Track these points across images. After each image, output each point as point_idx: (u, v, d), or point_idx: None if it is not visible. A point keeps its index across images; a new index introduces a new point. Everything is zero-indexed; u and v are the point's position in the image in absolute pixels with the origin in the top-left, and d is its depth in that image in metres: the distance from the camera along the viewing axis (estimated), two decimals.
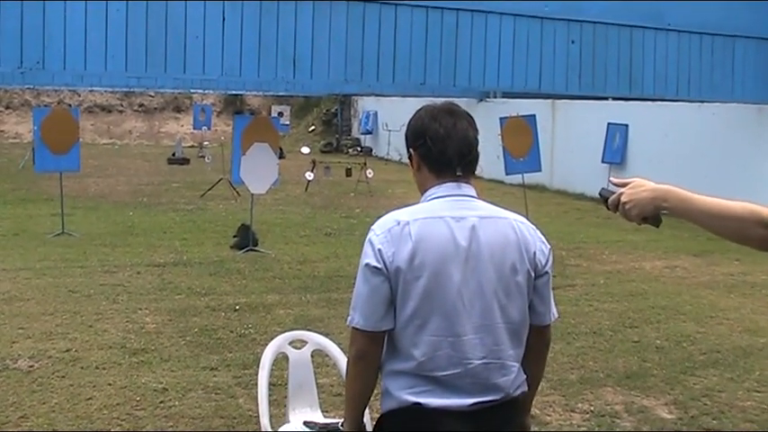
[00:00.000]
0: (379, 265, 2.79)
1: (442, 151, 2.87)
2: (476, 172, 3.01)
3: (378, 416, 2.99)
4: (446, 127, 2.88)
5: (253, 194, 12.46)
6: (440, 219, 2.82)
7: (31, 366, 6.83)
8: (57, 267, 10.56)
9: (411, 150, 2.97)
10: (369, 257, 2.82)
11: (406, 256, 2.77)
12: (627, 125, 18.65)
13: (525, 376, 2.97)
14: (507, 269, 2.86)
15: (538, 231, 3.01)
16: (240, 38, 11.12)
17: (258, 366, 4.74)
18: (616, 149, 18.85)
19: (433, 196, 2.90)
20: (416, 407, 2.81)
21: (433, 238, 2.79)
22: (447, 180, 2.90)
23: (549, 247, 3.01)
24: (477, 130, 2.96)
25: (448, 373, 2.81)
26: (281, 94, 28.13)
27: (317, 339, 4.89)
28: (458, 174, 2.90)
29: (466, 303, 2.80)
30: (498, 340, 2.85)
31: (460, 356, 2.81)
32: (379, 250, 2.80)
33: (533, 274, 2.93)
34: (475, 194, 2.94)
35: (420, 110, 2.98)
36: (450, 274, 2.79)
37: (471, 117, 2.97)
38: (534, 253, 2.93)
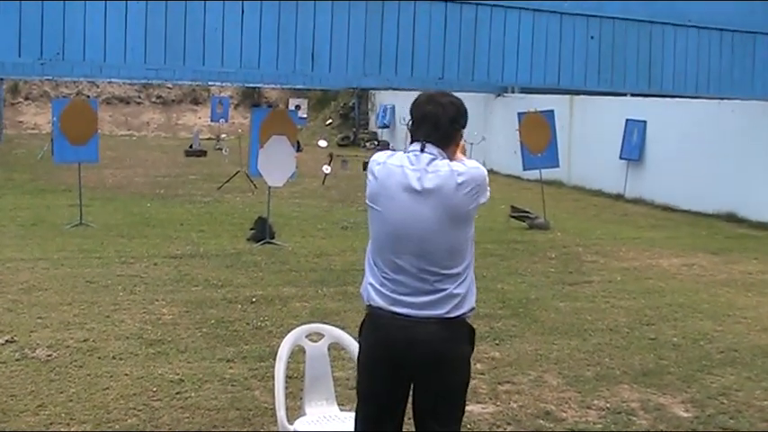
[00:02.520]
0: None
1: (416, 129, 3.71)
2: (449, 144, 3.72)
3: None
4: (421, 111, 3.71)
5: (270, 187, 12.48)
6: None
7: (49, 356, 6.87)
8: (74, 258, 10.61)
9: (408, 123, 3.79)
10: None
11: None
12: (645, 121, 18.57)
13: None
14: None
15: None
16: (259, 30, 11.15)
17: (274, 359, 4.75)
18: (634, 146, 18.78)
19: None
20: None
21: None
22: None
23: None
24: (454, 113, 3.70)
25: None
26: (298, 87, 28.12)
27: (333, 332, 4.90)
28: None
29: None
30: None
31: None
32: None
33: None
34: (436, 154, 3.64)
35: (418, 95, 3.80)
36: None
37: (452, 102, 3.72)
38: None
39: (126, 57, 11.00)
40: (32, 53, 10.58)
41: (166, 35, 10.92)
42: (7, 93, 33.25)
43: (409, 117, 3.79)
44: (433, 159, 3.62)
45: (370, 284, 3.69)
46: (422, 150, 3.63)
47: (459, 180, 3.59)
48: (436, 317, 3.59)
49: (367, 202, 3.72)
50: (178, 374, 6.55)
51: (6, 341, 7.17)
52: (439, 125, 3.67)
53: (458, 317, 3.64)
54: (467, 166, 3.63)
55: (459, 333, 3.68)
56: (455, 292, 3.62)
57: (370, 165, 3.74)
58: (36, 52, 10.62)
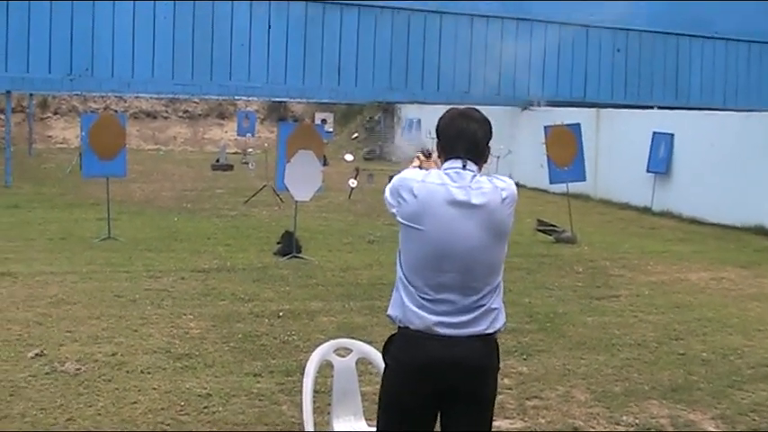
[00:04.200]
0: None
1: (453, 146, 3.66)
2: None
3: None
4: (458, 127, 3.66)
5: (296, 201, 12.51)
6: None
7: (77, 369, 6.90)
8: (103, 272, 10.68)
9: (437, 140, 3.75)
10: None
11: None
12: (672, 134, 18.47)
13: None
14: None
15: None
16: (286, 45, 11.18)
17: (301, 373, 4.76)
18: (661, 159, 18.68)
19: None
20: None
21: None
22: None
23: None
24: (487, 130, 3.69)
25: None
26: (324, 101, 28.23)
27: (361, 348, 4.89)
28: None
29: None
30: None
31: None
32: None
33: None
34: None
35: (446, 111, 3.76)
36: None
37: (485, 119, 3.70)
38: None
39: (154, 72, 11.07)
40: (62, 69, 10.66)
41: (194, 51, 10.97)
42: (37, 108, 33.62)
43: (436, 133, 3.74)
44: (474, 176, 3.60)
45: (406, 307, 3.59)
46: (464, 167, 3.62)
47: (504, 195, 3.60)
48: (476, 334, 3.57)
49: (403, 221, 3.62)
50: (206, 389, 6.56)
51: (36, 354, 7.21)
52: (477, 142, 3.66)
53: (495, 332, 3.64)
54: (506, 182, 3.64)
55: (494, 349, 3.68)
56: (492, 306, 3.62)
57: (404, 183, 3.64)
58: (66, 68, 10.70)
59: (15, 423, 5.81)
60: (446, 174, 3.61)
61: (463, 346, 3.55)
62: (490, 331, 3.62)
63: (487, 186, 3.59)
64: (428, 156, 4.11)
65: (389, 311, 3.71)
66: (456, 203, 3.54)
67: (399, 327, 3.64)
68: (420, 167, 4.06)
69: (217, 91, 20.69)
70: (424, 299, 3.56)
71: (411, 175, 3.65)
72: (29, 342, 7.59)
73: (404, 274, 3.63)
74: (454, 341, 3.54)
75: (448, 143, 3.68)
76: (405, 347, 3.62)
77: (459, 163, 3.62)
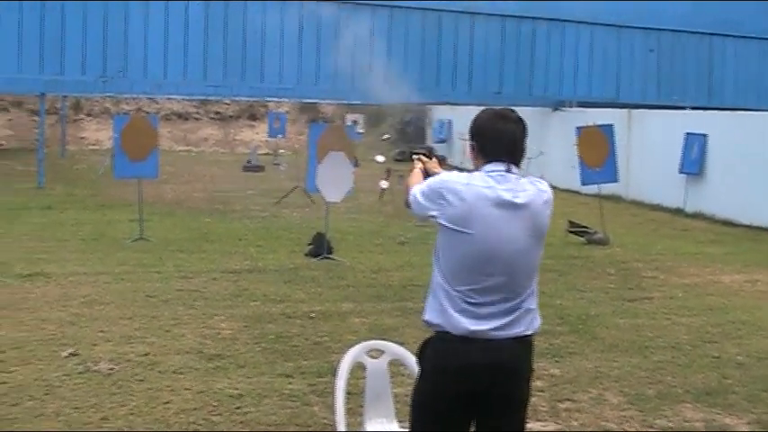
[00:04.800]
0: None
1: (495, 148, 3.61)
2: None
3: None
4: (499, 129, 3.62)
5: (328, 202, 12.53)
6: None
7: (111, 369, 6.94)
8: (135, 272, 10.74)
9: (473, 142, 3.70)
10: None
11: None
12: (705, 135, 18.32)
13: None
14: None
15: None
16: (317, 46, 11.19)
17: (333, 375, 4.76)
18: (694, 160, 18.53)
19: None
20: None
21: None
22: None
23: None
24: (525, 131, 3.68)
25: None
26: (355, 102, 28.26)
27: (394, 349, 4.88)
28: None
29: None
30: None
31: None
32: None
33: None
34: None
35: (482, 112, 3.72)
36: None
37: (521, 120, 3.67)
38: None
39: (186, 73, 11.11)
40: (95, 70, 10.73)
41: (226, 52, 11.00)
42: (70, 109, 33.89)
43: (471, 134, 3.72)
44: (518, 178, 3.59)
45: (447, 312, 3.56)
46: (508, 170, 3.59)
47: (545, 197, 3.62)
48: (517, 336, 3.57)
49: (447, 225, 3.57)
50: (237, 389, 6.58)
51: (70, 354, 7.27)
52: (517, 143, 3.65)
53: (533, 334, 3.63)
54: (544, 184, 3.64)
55: (532, 351, 3.67)
56: (530, 307, 3.63)
57: (448, 186, 3.59)
58: (99, 70, 10.77)
59: (50, 422, 5.86)
60: (489, 176, 3.58)
61: (505, 349, 3.55)
62: (529, 332, 3.62)
63: (530, 188, 3.59)
64: (429, 156, 4.16)
65: (426, 317, 3.67)
66: (503, 205, 3.52)
67: (438, 331, 3.62)
68: (425, 169, 4.12)
69: (248, 92, 20.75)
70: (467, 302, 3.54)
71: (455, 178, 3.61)
72: (63, 342, 7.65)
73: (444, 279, 3.59)
74: (496, 344, 3.53)
75: (488, 145, 3.64)
76: (446, 352, 3.59)
77: (502, 166, 3.60)
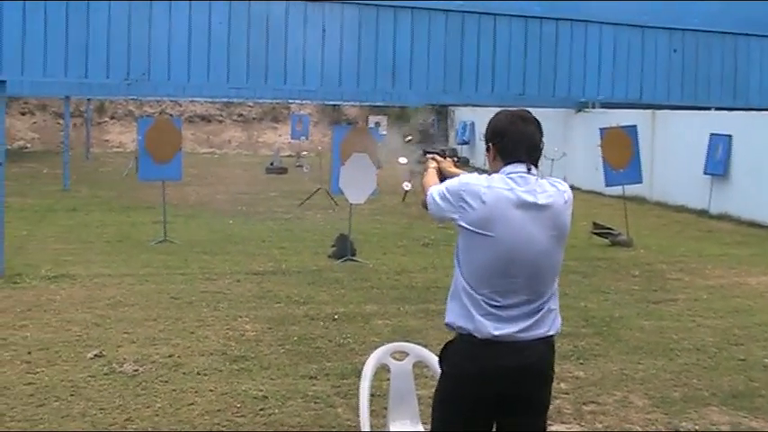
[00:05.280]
0: None
1: (515, 149, 3.59)
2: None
3: None
4: (519, 131, 3.60)
5: (351, 204, 12.54)
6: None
7: (135, 370, 6.98)
8: (159, 274, 10.79)
9: (490, 144, 3.68)
10: None
11: None
12: (730, 136, 18.19)
13: None
14: None
15: None
16: (340, 48, 11.20)
17: (357, 376, 4.76)
18: (718, 161, 18.40)
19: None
20: None
21: None
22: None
23: None
24: (542, 132, 3.67)
25: None
26: (378, 104, 28.26)
27: (418, 351, 4.88)
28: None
29: None
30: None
31: None
32: None
33: None
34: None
35: (499, 114, 3.71)
36: None
37: (538, 121, 3.66)
38: None
39: (209, 76, 11.16)
40: (119, 73, 10.79)
41: (249, 55, 11.03)
42: (94, 112, 34.09)
43: (490, 136, 3.69)
44: (538, 179, 3.58)
45: (471, 315, 3.55)
46: (528, 171, 3.58)
47: (566, 197, 3.62)
48: (540, 336, 3.56)
49: (468, 228, 3.55)
50: (261, 391, 6.59)
51: (95, 355, 7.32)
52: (536, 144, 3.64)
53: (555, 334, 3.63)
54: (564, 185, 3.63)
55: (554, 352, 3.66)
56: (552, 308, 3.62)
57: (468, 188, 3.57)
58: (123, 72, 10.83)
59: (76, 422, 5.90)
60: (510, 178, 3.56)
61: (531, 351, 3.54)
62: (552, 333, 3.62)
63: (551, 189, 3.58)
64: (444, 156, 4.17)
65: (449, 320, 3.67)
66: (525, 207, 3.51)
67: (462, 334, 3.61)
68: (439, 169, 4.10)
69: (271, 95, 20.76)
70: (490, 305, 3.53)
71: (475, 180, 3.60)
72: (88, 343, 7.71)
73: (467, 282, 3.58)
74: (521, 346, 3.53)
75: (508, 146, 3.61)
76: (470, 355, 3.58)
77: (522, 167, 3.58)
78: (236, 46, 10.53)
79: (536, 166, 3.63)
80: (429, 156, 4.26)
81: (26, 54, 10.13)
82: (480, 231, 3.51)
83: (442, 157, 4.22)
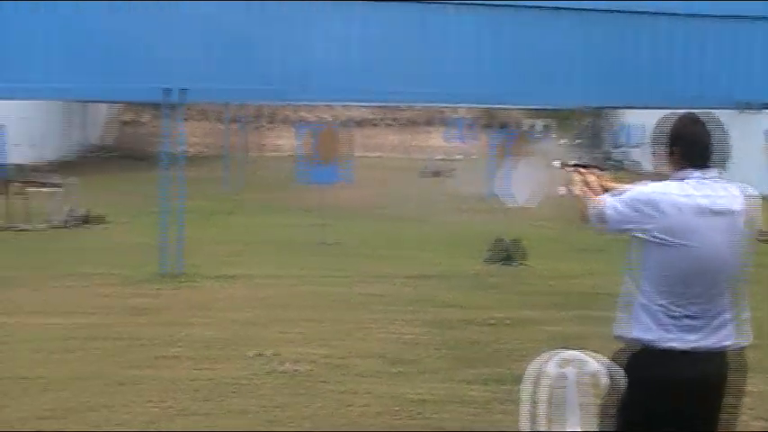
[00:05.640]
0: None
1: (690, 153, 3.46)
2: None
3: None
4: (693, 133, 3.47)
5: (508, 208, 12.39)
6: None
7: (295, 370, 7.08)
8: (318, 276, 10.97)
9: (663, 148, 3.54)
10: None
11: None
12: None
13: None
14: None
15: None
16: (497, 52, 11.09)
17: (515, 382, 4.66)
18: None
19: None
20: None
21: None
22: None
23: None
24: (722, 133, 3.48)
25: None
26: (535, 107, 27.90)
27: (580, 358, 4.74)
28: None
29: None
30: None
31: None
32: None
33: None
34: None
35: (671, 116, 3.57)
36: None
37: (717, 121, 3.50)
38: None
39: (368, 81, 11.22)
40: (279, 79, 10.97)
41: (407, 59, 11.03)
42: (252, 117, 35.00)
43: (664, 140, 3.56)
44: (716, 183, 3.45)
45: (648, 326, 3.45)
46: (706, 176, 3.43)
47: (746, 201, 3.47)
48: (723, 347, 3.43)
49: (647, 238, 3.44)
50: (420, 394, 6.58)
51: (256, 354, 7.47)
52: (716, 147, 3.47)
53: (744, 346, 3.50)
54: (748, 188, 3.47)
55: (744, 363, 3.51)
56: (736, 317, 3.48)
57: (647, 197, 3.45)
58: (283, 78, 11.01)
59: (237, 419, 6.03)
60: (687, 183, 3.43)
61: (712, 362, 3.40)
62: (742, 344, 3.46)
63: (728, 193, 3.42)
64: (584, 166, 4.00)
65: (622, 331, 3.58)
66: (706, 213, 3.38)
67: (638, 346, 3.51)
68: (585, 183, 3.92)
69: (428, 98, 20.81)
70: (669, 316, 3.41)
71: (653, 189, 3.47)
72: (252, 342, 7.88)
73: (643, 292, 3.48)
74: (705, 357, 3.39)
75: (683, 151, 3.49)
76: (647, 366, 3.48)
77: (698, 172, 3.45)
78: (393, 50, 10.62)
79: (715, 170, 3.46)
80: (571, 167, 4.10)
81: (188, 63, 10.49)
82: (660, 240, 3.39)
83: (585, 168, 4.06)
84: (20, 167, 16.83)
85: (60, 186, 15.91)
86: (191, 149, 34.80)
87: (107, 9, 10.30)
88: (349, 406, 6.34)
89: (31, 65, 10.32)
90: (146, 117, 37.50)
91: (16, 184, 16.03)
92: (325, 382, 6.85)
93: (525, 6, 10.71)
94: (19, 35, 10.21)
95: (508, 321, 8.85)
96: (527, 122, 29.91)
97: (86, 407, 6.23)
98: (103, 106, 36.74)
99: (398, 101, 26.73)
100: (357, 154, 34.78)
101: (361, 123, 37.12)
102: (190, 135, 35.61)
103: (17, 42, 10.29)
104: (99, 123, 36.82)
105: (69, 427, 5.84)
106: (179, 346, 7.70)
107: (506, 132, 15.12)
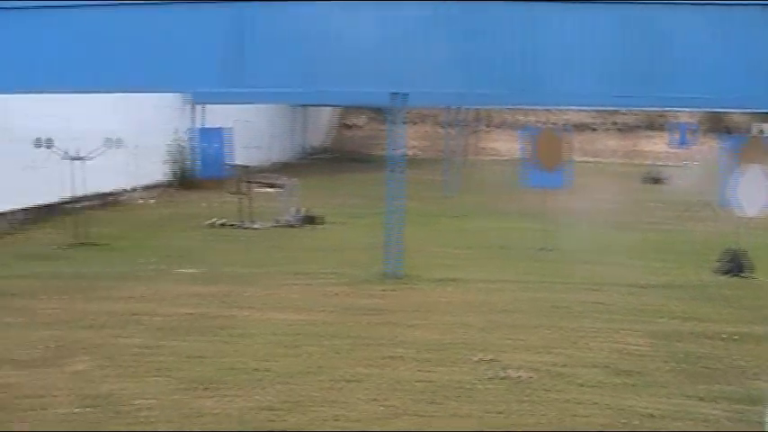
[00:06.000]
0: None
1: None
2: None
3: None
4: None
5: (740, 217, 11.87)
6: None
7: (519, 377, 7.07)
8: (541, 282, 10.89)
9: None
10: None
11: None
12: None
13: None
14: None
15: None
16: (725, 54, 10.65)
17: (751, 403, 4.48)
18: None
19: None
20: None
21: None
22: None
23: None
24: None
25: None
26: (765, 111, 26.58)
27: None
28: None
29: None
30: None
31: None
32: None
33: None
34: None
35: None
36: None
37: None
38: None
39: (598, 84, 11.03)
40: (509, 83, 10.96)
41: (637, 62, 10.79)
42: (471, 120, 35.22)
43: None
44: None
45: None
46: None
47: None
48: None
49: None
50: (648, 408, 6.41)
51: (481, 359, 7.51)
52: None
53: None
54: None
55: None
56: None
57: None
58: (512, 83, 11.00)
59: (463, 421, 6.10)
60: None
61: None
62: None
63: None
64: None
65: None
66: None
67: None
68: None
69: (654, 103, 20.26)
70: None
71: None
72: (473, 346, 7.93)
73: None
74: None
75: None
76: None
77: None
78: (625, 53, 10.38)
79: None
80: None
81: (420, 68, 10.67)
82: None
83: None
84: (247, 168, 17.63)
85: (283, 187, 16.58)
86: (411, 152, 35.44)
87: (341, 13, 10.67)
88: (574, 416, 6.27)
89: (270, 70, 10.84)
90: (361, 120, 38.60)
91: (245, 184, 16.83)
92: (548, 390, 6.80)
93: (754, 5, 10.23)
94: (261, 41, 10.76)
95: (736, 337, 8.46)
96: (755, 127, 28.49)
97: (314, 401, 6.48)
98: (326, 110, 38.08)
99: (624, 105, 26.23)
100: (579, 159, 34.44)
101: (579, 127, 36.62)
102: (411, 138, 36.29)
103: (260, 48, 10.85)
104: (320, 127, 38.14)
105: (297, 419, 6.09)
106: (403, 347, 7.86)
107: (736, 137, 14.43)
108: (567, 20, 10.32)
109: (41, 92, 12.72)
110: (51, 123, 15.28)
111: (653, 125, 36.54)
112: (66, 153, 13.65)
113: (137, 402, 6.41)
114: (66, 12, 11.30)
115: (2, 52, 11.45)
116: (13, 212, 15.40)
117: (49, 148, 13.55)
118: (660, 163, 29.25)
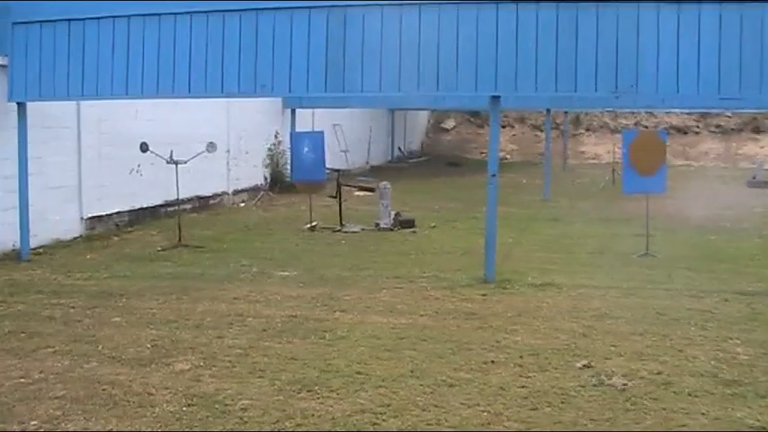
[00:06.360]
0: None
1: None
2: None
3: None
4: None
5: None
6: None
7: (624, 384, 6.93)
8: (643, 288, 10.68)
9: None
10: None
11: None
12: None
13: None
14: None
15: None
16: None
17: None
18: None
19: None
20: None
21: None
22: None
23: None
24: None
25: None
26: None
27: None
28: None
29: None
30: None
31: None
32: None
33: None
34: None
35: None
36: None
37: None
38: None
39: (699, 86, 10.77)
40: (608, 86, 10.83)
41: (741, 63, 10.49)
42: (570, 124, 34.86)
43: None
44: None
45: None
46: None
47: None
48: None
49: None
50: (759, 421, 6.20)
51: (583, 366, 7.40)
52: None
53: None
54: None
55: None
56: None
57: None
58: (611, 85, 10.85)
59: (568, 429, 5.99)
60: None
61: None
62: None
63: None
64: None
65: None
66: None
67: None
68: None
69: (761, 104, 19.74)
70: None
71: None
72: (575, 352, 7.82)
73: None
74: None
75: None
76: None
77: None
78: (728, 54, 10.12)
79: None
80: None
81: (519, 71, 10.60)
82: None
83: None
84: (343, 172, 17.78)
85: (379, 191, 16.66)
86: (508, 156, 35.25)
87: (437, 16, 10.72)
88: (681, 426, 6.12)
89: (369, 74, 10.96)
90: (449, 123, 38.58)
91: (344, 187, 16.97)
92: (655, 399, 6.65)
93: None
94: (360, 45, 10.89)
95: None
96: None
97: (416, 405, 6.46)
98: (423, 114, 38.19)
99: (725, 107, 25.61)
100: (678, 162, 33.84)
101: (681, 130, 35.90)
102: (507, 141, 36.10)
103: (359, 52, 10.97)
104: (416, 131, 38.27)
105: (398, 423, 6.09)
106: (505, 353, 7.80)
107: None
108: (664, 21, 10.13)
109: (148, 98, 13.09)
110: (155, 128, 15.72)
111: (758, 127, 35.63)
112: (170, 158, 13.95)
113: (241, 402, 6.50)
114: (171, 19, 11.57)
115: (108, 59, 11.82)
116: (119, 213, 15.86)
117: (152, 152, 13.88)
118: (766, 167, 28.40)
